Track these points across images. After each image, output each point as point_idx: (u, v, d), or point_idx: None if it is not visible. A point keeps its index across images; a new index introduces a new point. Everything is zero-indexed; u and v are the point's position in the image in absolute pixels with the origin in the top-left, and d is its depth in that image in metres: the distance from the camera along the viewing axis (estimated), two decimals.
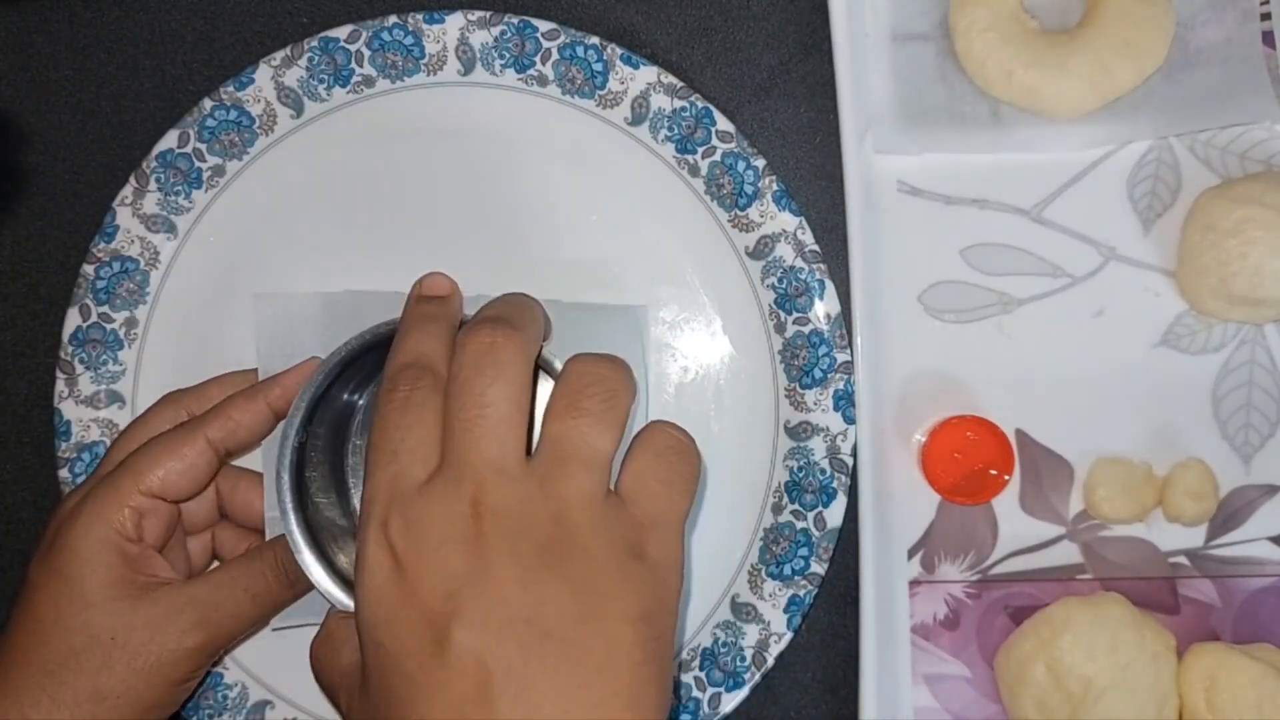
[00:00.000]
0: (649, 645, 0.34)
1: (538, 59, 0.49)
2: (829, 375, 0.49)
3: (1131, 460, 0.49)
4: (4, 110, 0.52)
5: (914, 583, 0.50)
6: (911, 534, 0.50)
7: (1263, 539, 0.49)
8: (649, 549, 0.35)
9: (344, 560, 0.43)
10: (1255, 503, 0.50)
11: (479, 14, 0.49)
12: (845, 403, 0.48)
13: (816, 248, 0.49)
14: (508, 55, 0.50)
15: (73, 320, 0.49)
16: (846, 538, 0.50)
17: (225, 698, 0.49)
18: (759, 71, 0.50)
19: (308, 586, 0.47)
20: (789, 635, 0.48)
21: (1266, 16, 0.49)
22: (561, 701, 0.32)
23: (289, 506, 0.42)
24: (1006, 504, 0.50)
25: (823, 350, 0.49)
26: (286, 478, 0.43)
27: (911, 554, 0.50)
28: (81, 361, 0.49)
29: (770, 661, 0.48)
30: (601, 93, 0.49)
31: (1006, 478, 0.48)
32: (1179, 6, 0.49)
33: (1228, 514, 0.49)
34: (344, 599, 0.41)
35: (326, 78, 0.50)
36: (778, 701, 0.51)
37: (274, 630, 0.48)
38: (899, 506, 0.49)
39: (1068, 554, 0.49)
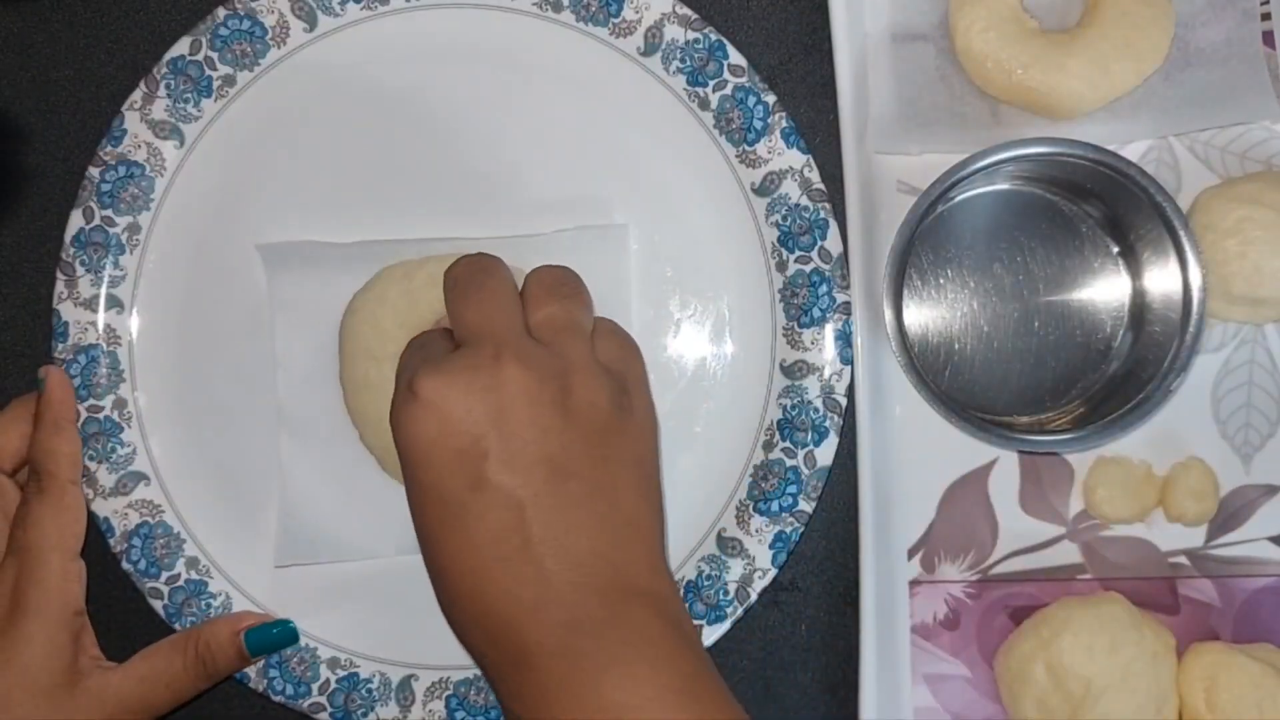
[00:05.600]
0: (644, 484, 0.41)
1: None
2: (828, 315, 0.49)
3: (1131, 460, 0.49)
4: (4, 110, 0.52)
5: (914, 583, 0.50)
6: (911, 534, 0.50)
7: (1263, 539, 0.49)
8: (633, 404, 0.41)
9: None
10: (1255, 503, 0.50)
11: None
12: (843, 342, 0.48)
13: (822, 186, 0.49)
14: None
15: (76, 222, 0.49)
16: (846, 538, 0.50)
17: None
18: (759, 71, 0.50)
19: (227, 677, 0.48)
20: (773, 571, 0.49)
21: (1267, 16, 0.49)
22: (584, 527, 0.38)
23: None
24: (1007, 504, 0.50)
25: (823, 289, 0.49)
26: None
27: (911, 554, 0.50)
28: (82, 264, 0.49)
29: (754, 597, 0.49)
30: (615, 21, 0.49)
31: None
32: (1179, 6, 0.49)
33: (1227, 514, 0.49)
34: None
35: None
36: (777, 702, 0.51)
37: (277, 568, 0.49)
38: (899, 506, 0.49)
39: (1068, 554, 0.49)
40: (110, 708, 0.45)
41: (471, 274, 0.43)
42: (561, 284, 0.43)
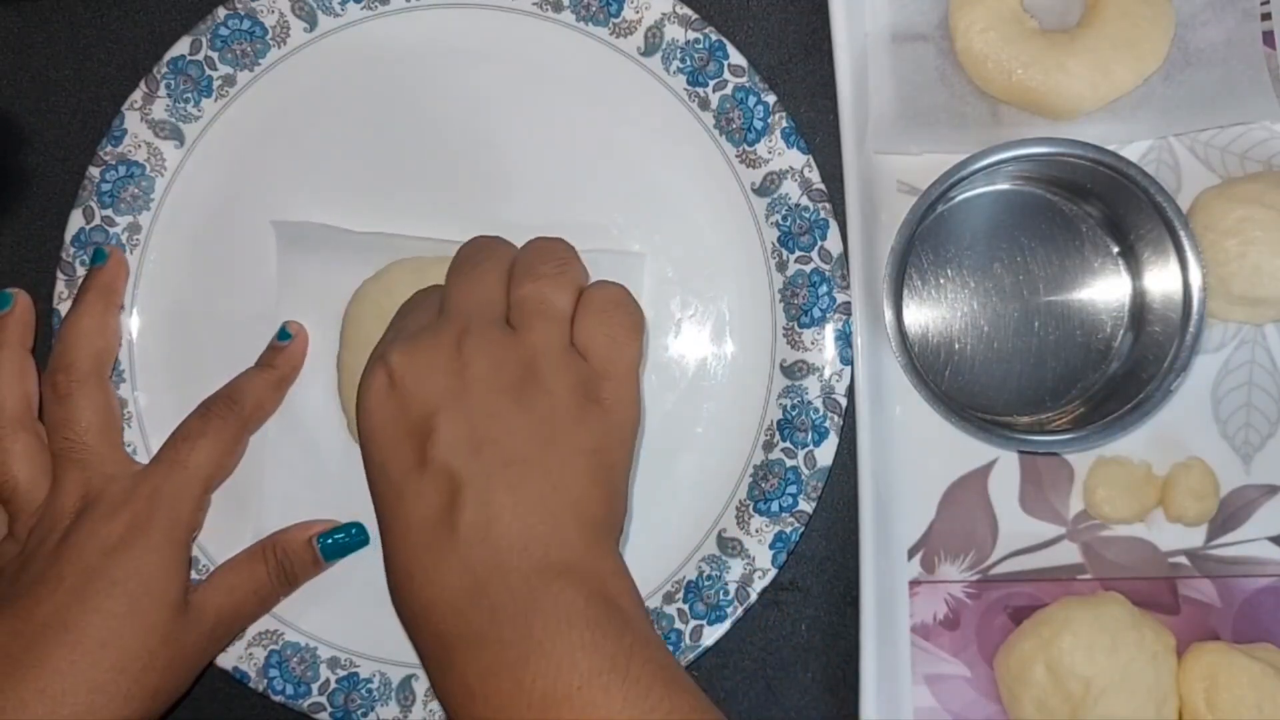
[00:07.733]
0: (599, 472, 0.39)
1: None
2: (828, 315, 0.49)
3: (1131, 460, 0.49)
4: (4, 110, 0.52)
5: (914, 583, 0.50)
6: (911, 534, 0.50)
7: (1263, 539, 0.49)
8: (603, 393, 0.40)
9: None
10: (1255, 503, 0.50)
11: None
12: (843, 342, 0.49)
13: (822, 186, 0.49)
14: None
15: (76, 222, 0.50)
16: (846, 538, 0.50)
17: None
18: (759, 71, 0.50)
19: (304, 581, 0.49)
20: (773, 571, 0.49)
21: (1267, 16, 0.49)
22: (519, 509, 0.37)
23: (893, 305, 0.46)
24: (1007, 504, 0.50)
25: (823, 289, 0.49)
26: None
27: (911, 554, 0.50)
28: (83, 264, 0.50)
29: (754, 597, 0.49)
30: (616, 20, 0.49)
31: None
32: (1179, 6, 0.49)
33: (1227, 514, 0.49)
34: None
35: None
36: (778, 701, 0.51)
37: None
38: (899, 506, 0.49)
39: (1068, 554, 0.50)
40: (210, 623, 0.46)
41: (471, 253, 0.43)
42: (543, 261, 0.42)
